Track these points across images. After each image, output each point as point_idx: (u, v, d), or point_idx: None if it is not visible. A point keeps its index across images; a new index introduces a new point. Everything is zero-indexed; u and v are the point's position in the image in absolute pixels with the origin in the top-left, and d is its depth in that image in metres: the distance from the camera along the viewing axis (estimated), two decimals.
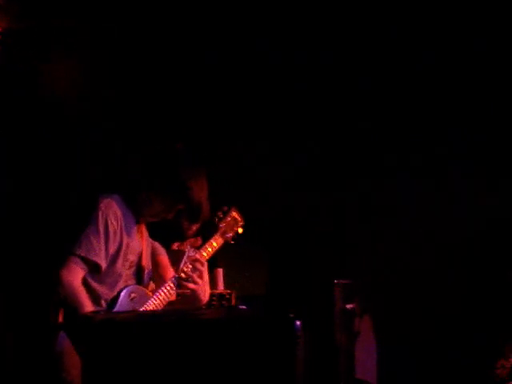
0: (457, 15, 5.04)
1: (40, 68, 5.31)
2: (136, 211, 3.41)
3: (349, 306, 4.79)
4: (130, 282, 3.33)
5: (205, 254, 3.54)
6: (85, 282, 3.19)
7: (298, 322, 2.33)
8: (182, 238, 3.70)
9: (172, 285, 3.41)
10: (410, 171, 5.31)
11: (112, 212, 3.25)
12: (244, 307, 2.80)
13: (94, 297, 3.21)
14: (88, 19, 5.15)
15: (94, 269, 3.21)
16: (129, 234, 3.33)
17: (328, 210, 5.35)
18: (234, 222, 3.77)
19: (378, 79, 5.28)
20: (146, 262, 3.46)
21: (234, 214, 3.78)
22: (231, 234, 3.74)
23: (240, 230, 3.77)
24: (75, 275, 3.13)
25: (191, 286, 3.42)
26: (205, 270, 3.47)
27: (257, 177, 5.35)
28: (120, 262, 3.29)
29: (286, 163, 5.41)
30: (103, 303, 3.24)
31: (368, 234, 5.24)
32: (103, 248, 3.19)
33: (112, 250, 3.25)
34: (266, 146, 5.37)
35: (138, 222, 3.46)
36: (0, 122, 5.12)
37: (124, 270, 3.32)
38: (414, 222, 5.22)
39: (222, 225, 3.71)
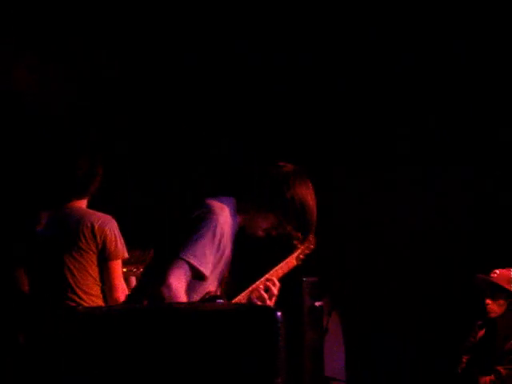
0: (435, 18, 5.08)
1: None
2: (244, 222, 3.24)
3: (317, 304, 4.79)
4: (211, 288, 3.23)
5: (279, 273, 3.42)
6: None
7: (278, 313, 2.32)
8: None
9: (242, 300, 3.30)
10: (382, 169, 5.35)
11: (226, 223, 3.10)
12: (222, 301, 2.76)
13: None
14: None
15: (196, 277, 3.10)
16: (229, 244, 3.19)
17: None
18: (308, 244, 3.59)
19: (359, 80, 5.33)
20: (227, 270, 3.36)
21: (311, 236, 3.57)
22: (302, 256, 3.59)
23: (308, 253, 3.64)
24: (183, 281, 2.97)
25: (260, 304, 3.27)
26: (276, 290, 3.33)
27: None
28: (216, 271, 3.20)
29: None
30: None
31: (336, 231, 5.25)
32: (212, 260, 3.08)
33: (215, 260, 3.15)
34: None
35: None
36: None
37: (215, 277, 3.23)
38: (383, 219, 5.25)
39: (300, 246, 3.51)
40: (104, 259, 3.71)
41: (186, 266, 3.01)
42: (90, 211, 3.77)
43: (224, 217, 3.13)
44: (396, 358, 5.19)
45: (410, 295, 5.22)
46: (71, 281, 3.66)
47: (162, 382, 2.13)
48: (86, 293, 3.68)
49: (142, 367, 2.07)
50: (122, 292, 3.73)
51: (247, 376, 2.13)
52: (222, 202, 3.18)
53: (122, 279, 3.82)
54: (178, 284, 2.96)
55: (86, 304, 3.67)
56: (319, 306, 4.81)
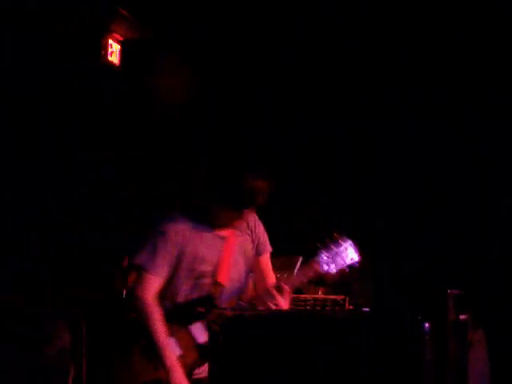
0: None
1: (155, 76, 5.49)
2: None
3: (462, 317, 4.67)
4: None
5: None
6: None
7: (426, 324, 2.30)
8: None
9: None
10: None
11: None
12: (367, 309, 2.77)
13: None
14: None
15: None
16: None
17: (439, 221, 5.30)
18: None
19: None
20: None
21: None
22: None
23: None
24: None
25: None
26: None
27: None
28: None
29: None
30: None
31: (482, 244, 5.12)
32: None
33: None
34: None
35: None
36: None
37: None
38: None
39: None
40: (258, 253, 3.79)
41: None
42: None
43: None
44: None
45: None
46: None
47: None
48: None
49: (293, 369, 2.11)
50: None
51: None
52: None
53: None
54: None
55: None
56: (464, 319, 4.69)
